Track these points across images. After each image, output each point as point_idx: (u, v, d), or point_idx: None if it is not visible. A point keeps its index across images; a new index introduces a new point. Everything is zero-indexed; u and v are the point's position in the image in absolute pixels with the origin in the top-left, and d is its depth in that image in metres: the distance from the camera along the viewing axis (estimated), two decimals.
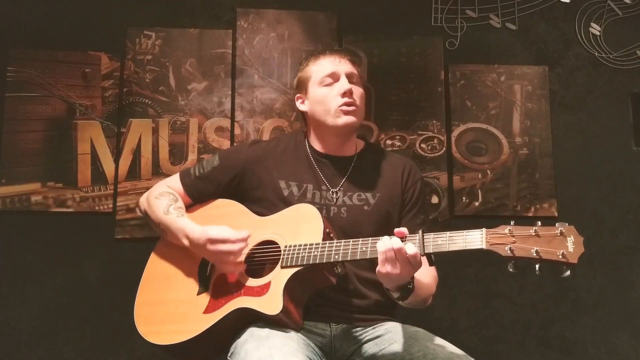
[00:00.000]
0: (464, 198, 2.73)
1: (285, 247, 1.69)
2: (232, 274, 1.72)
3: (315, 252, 1.63)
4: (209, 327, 1.65)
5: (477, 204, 2.73)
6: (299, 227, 1.72)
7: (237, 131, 2.70)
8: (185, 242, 1.77)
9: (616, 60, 2.91)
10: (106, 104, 2.67)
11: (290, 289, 1.62)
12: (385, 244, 1.53)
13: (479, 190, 2.75)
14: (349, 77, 1.91)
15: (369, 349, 1.74)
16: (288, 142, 1.99)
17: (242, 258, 1.71)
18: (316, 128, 1.95)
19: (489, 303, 2.69)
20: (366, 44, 2.80)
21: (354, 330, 1.78)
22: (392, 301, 1.71)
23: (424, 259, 1.55)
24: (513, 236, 1.44)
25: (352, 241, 1.62)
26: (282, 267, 1.66)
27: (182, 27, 2.76)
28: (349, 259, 1.60)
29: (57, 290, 2.53)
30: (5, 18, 2.70)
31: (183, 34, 2.75)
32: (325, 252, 1.62)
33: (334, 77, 1.90)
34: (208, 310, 1.69)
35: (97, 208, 2.58)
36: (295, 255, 1.65)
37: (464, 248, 1.49)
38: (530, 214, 2.73)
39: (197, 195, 1.94)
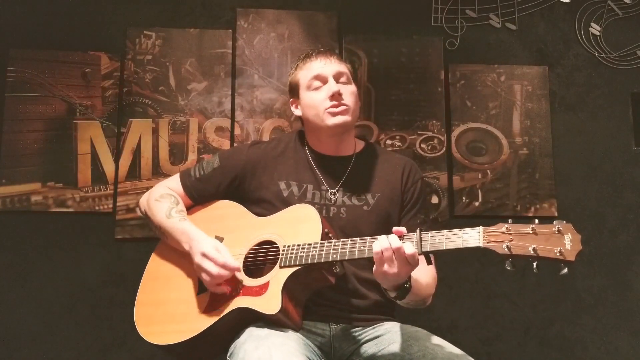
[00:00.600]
0: (464, 198, 2.73)
1: (284, 247, 1.69)
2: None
3: (314, 252, 1.63)
4: (208, 327, 1.65)
5: (477, 204, 2.73)
6: (298, 227, 1.72)
7: (237, 131, 2.70)
8: (186, 246, 1.76)
9: (616, 60, 2.91)
10: (106, 104, 2.67)
11: (289, 288, 1.62)
12: (382, 244, 1.52)
13: (479, 190, 2.75)
14: (337, 76, 1.91)
15: (369, 349, 1.74)
16: (288, 143, 1.99)
17: (244, 250, 1.72)
18: (312, 130, 1.96)
19: (489, 303, 2.69)
20: (366, 44, 2.80)
21: (354, 330, 1.78)
22: (391, 301, 1.71)
23: (422, 258, 1.55)
24: (510, 234, 1.43)
25: (350, 240, 1.62)
26: (280, 267, 1.66)
27: (182, 27, 2.76)
28: (347, 258, 1.60)
29: (57, 290, 2.53)
30: (5, 18, 2.70)
31: (183, 34, 2.75)
32: (324, 252, 1.62)
33: (321, 79, 1.90)
34: (207, 310, 1.69)
35: (97, 208, 2.59)
36: (293, 255, 1.65)
37: (462, 246, 1.49)
38: (530, 214, 2.73)
39: (198, 196, 1.94)
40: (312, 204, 1.82)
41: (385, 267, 1.52)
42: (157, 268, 1.88)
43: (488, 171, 2.77)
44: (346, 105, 1.88)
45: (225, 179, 1.92)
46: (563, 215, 2.74)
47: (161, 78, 2.71)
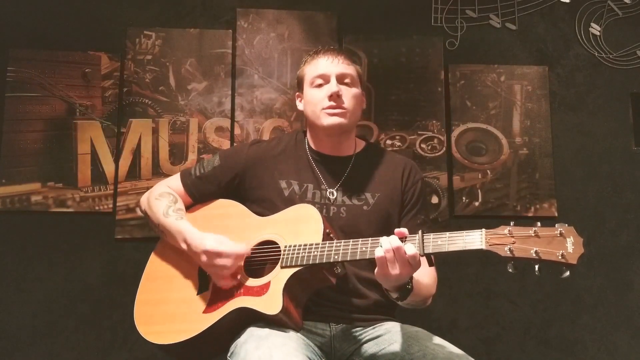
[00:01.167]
0: (464, 198, 2.73)
1: (285, 247, 1.69)
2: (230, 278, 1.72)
3: (315, 252, 1.63)
4: (208, 327, 1.65)
5: (477, 204, 2.73)
6: (299, 228, 1.72)
7: (237, 131, 2.70)
8: (184, 246, 1.77)
9: (616, 60, 2.91)
10: (106, 104, 2.67)
11: (290, 288, 1.62)
12: (385, 246, 1.52)
13: (479, 190, 2.75)
14: (340, 77, 1.91)
15: (369, 349, 1.74)
16: (288, 142, 2.00)
17: (245, 250, 1.71)
18: (311, 128, 1.97)
19: (489, 303, 2.69)
20: (366, 44, 2.80)
21: (354, 330, 1.78)
22: (392, 301, 1.71)
23: (424, 260, 1.55)
24: (512, 237, 1.44)
25: (352, 241, 1.62)
26: (282, 267, 1.66)
27: (182, 27, 2.76)
28: (348, 259, 1.60)
29: (57, 290, 2.53)
30: (5, 18, 2.70)
31: (183, 34, 2.75)
32: (325, 252, 1.62)
33: (325, 78, 1.91)
34: (208, 309, 1.69)
35: (97, 208, 2.59)
36: (295, 255, 1.65)
37: (464, 248, 1.49)
38: (530, 214, 2.73)
39: (198, 195, 1.94)
40: (313, 203, 1.82)
41: (387, 268, 1.52)
42: (157, 267, 1.88)
43: (488, 171, 2.77)
44: (344, 108, 1.88)
45: (225, 178, 1.93)
46: (563, 215, 2.74)
47: (161, 78, 2.71)
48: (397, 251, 1.51)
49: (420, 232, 1.55)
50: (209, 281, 1.76)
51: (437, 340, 1.72)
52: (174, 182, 1.96)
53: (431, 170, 2.74)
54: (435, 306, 1.87)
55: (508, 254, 1.42)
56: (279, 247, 1.71)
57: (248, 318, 1.64)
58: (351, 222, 1.84)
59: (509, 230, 1.45)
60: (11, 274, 2.53)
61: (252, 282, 1.69)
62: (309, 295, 1.72)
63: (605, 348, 2.69)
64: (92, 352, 2.50)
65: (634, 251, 2.77)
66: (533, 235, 1.43)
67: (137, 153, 2.64)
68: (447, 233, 1.52)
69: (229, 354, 1.66)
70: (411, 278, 1.60)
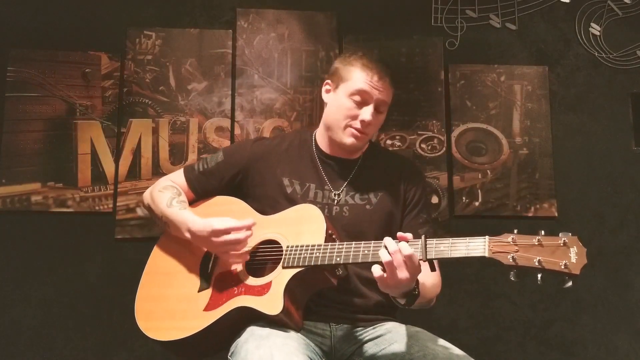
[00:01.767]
0: (464, 198, 2.73)
1: (287, 247, 1.69)
2: (234, 270, 1.72)
3: (317, 254, 1.63)
4: (208, 325, 1.65)
5: (477, 204, 2.73)
6: (302, 228, 1.72)
7: (237, 131, 2.70)
8: (188, 235, 1.77)
9: (616, 60, 2.91)
10: (106, 104, 2.67)
11: (291, 289, 1.62)
12: (385, 257, 1.51)
13: (479, 190, 2.75)
14: (379, 105, 1.84)
15: (369, 349, 1.74)
16: (292, 140, 1.99)
17: (246, 248, 1.71)
18: (325, 128, 1.93)
19: (489, 303, 2.69)
20: (366, 44, 2.80)
21: (354, 330, 1.78)
22: (392, 301, 1.71)
23: (426, 265, 1.54)
24: (516, 245, 1.43)
25: (355, 244, 1.61)
26: (283, 267, 1.66)
27: (182, 27, 2.76)
28: (350, 261, 1.60)
29: (57, 290, 2.53)
30: (5, 18, 2.69)
31: (183, 34, 2.75)
32: (327, 254, 1.62)
33: (366, 98, 1.82)
34: (208, 307, 1.69)
35: (97, 208, 2.58)
36: (297, 256, 1.65)
37: (467, 255, 1.48)
38: (530, 214, 2.73)
39: (201, 190, 1.95)
40: (314, 202, 1.82)
41: (396, 271, 1.50)
42: (158, 263, 1.89)
43: (488, 171, 2.77)
44: (366, 134, 1.87)
45: (228, 174, 1.93)
46: (563, 215, 2.74)
47: (161, 78, 2.71)
48: (393, 253, 1.50)
49: (423, 237, 1.54)
50: (211, 278, 1.76)
51: (437, 340, 1.72)
52: (177, 177, 1.97)
53: (431, 170, 2.74)
54: (435, 306, 1.87)
55: (511, 262, 1.42)
56: (280, 247, 1.71)
57: (248, 317, 1.64)
58: (354, 221, 1.84)
59: (513, 238, 1.44)
60: (11, 274, 2.53)
61: (253, 281, 1.69)
62: (309, 295, 1.72)
63: (605, 348, 2.69)
64: (92, 352, 2.50)
65: (634, 251, 2.77)
66: (536, 244, 1.42)
67: (137, 153, 2.64)
68: (450, 239, 1.51)
69: (229, 354, 1.66)
70: (417, 283, 1.60)
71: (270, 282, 1.65)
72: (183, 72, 2.72)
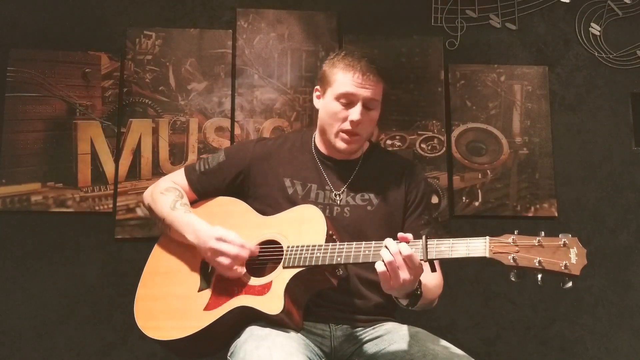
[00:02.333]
0: (464, 198, 2.73)
1: (288, 247, 1.69)
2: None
3: (318, 254, 1.63)
4: (208, 325, 1.65)
5: (477, 204, 2.73)
6: (302, 228, 1.72)
7: (237, 131, 2.70)
8: (191, 237, 1.76)
9: (616, 60, 2.91)
10: (106, 104, 2.67)
11: (291, 289, 1.62)
12: (386, 257, 1.51)
13: (479, 190, 2.75)
14: (367, 103, 1.83)
15: (369, 349, 1.74)
16: (294, 141, 1.99)
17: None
18: (321, 133, 1.94)
19: (489, 303, 2.69)
20: (366, 44, 2.80)
21: (354, 330, 1.78)
22: (392, 301, 1.71)
23: (426, 266, 1.54)
24: (517, 245, 1.44)
25: (355, 244, 1.61)
26: (284, 267, 1.66)
27: (182, 27, 2.76)
28: (351, 262, 1.60)
29: (57, 290, 2.53)
30: (5, 18, 2.69)
31: (183, 34, 2.75)
32: (328, 254, 1.62)
33: (351, 99, 1.82)
34: (208, 307, 1.69)
35: (97, 208, 2.58)
36: (297, 256, 1.65)
37: (467, 255, 1.49)
38: (530, 214, 2.73)
39: (202, 190, 1.95)
40: (316, 203, 1.82)
41: (397, 272, 1.50)
42: (158, 263, 1.89)
43: (488, 171, 2.77)
44: (359, 135, 1.85)
45: (230, 174, 1.93)
46: (563, 215, 2.74)
47: (161, 78, 2.71)
48: (395, 254, 1.50)
49: (424, 237, 1.54)
50: (211, 278, 1.76)
51: (437, 340, 1.72)
52: (178, 178, 1.97)
53: (431, 170, 2.74)
54: (435, 306, 1.87)
55: (511, 262, 1.43)
56: (281, 247, 1.71)
57: (248, 317, 1.64)
58: (355, 222, 1.84)
59: (513, 239, 1.45)
60: (11, 274, 2.53)
61: (253, 281, 1.69)
62: (310, 296, 1.72)
63: (605, 348, 2.69)
64: (92, 352, 2.50)
65: (634, 251, 2.77)
66: (537, 244, 1.43)
67: (137, 153, 2.64)
68: (451, 240, 1.52)
69: (229, 354, 1.66)
70: (420, 284, 1.60)
71: (271, 281, 1.65)
72: (183, 72, 2.72)
